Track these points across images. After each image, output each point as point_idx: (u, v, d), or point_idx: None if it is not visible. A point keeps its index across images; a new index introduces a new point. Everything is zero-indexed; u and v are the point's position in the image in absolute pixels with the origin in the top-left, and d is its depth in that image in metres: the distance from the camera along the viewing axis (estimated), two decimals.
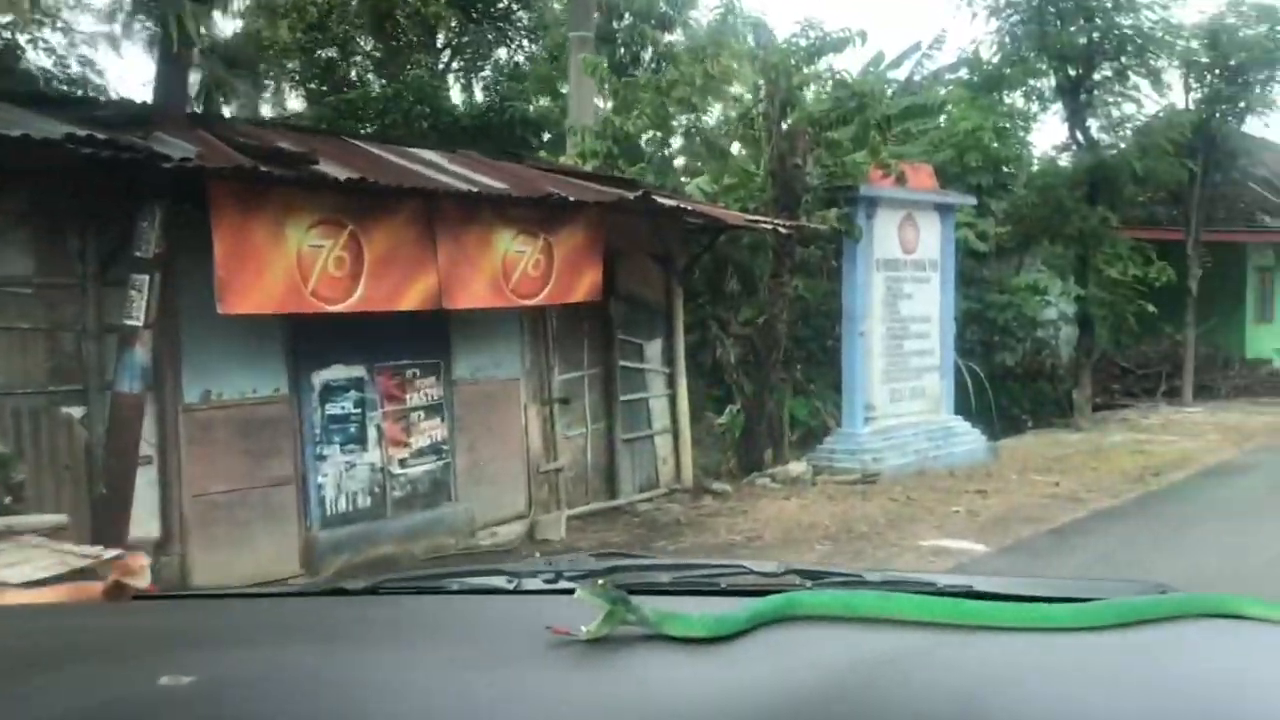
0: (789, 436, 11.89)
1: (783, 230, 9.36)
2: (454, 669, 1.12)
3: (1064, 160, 15.81)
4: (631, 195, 7.33)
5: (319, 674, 1.12)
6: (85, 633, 1.33)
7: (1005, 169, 15.89)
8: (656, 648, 1.11)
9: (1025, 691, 1.03)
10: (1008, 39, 15.54)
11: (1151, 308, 19.70)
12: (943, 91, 16.50)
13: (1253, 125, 17.72)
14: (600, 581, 1.16)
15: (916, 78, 17.60)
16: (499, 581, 1.47)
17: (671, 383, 9.43)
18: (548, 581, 1.43)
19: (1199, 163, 16.93)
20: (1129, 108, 15.69)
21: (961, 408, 13.97)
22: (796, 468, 10.16)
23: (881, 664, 1.08)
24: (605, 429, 8.89)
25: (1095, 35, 14.76)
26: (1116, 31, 14.92)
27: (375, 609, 1.46)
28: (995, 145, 15.40)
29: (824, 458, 10.54)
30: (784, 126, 9.68)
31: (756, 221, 8.81)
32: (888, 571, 1.45)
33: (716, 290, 10.77)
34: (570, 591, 1.24)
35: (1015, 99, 16.61)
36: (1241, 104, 16.70)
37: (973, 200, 12.38)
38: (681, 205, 7.86)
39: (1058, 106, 16.18)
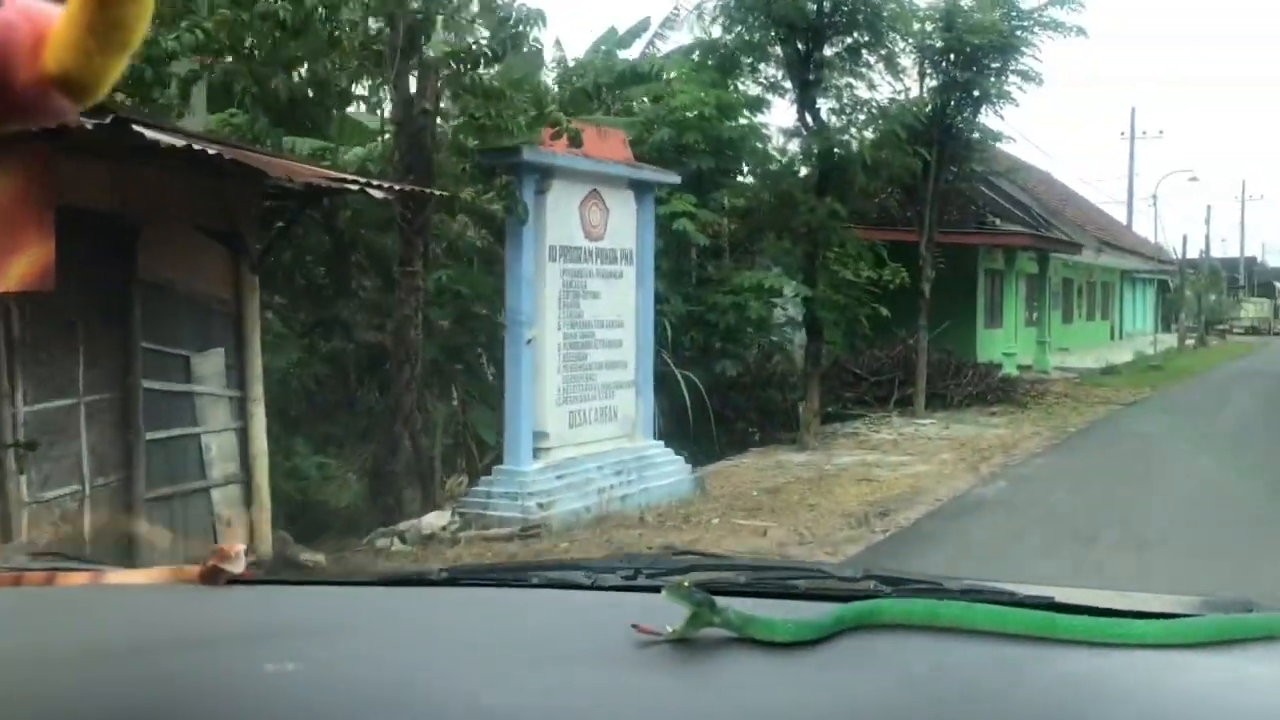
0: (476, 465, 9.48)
1: (407, 201, 6.82)
2: (541, 663, 1.13)
3: (793, 147, 14.09)
4: (90, 124, 4.52)
5: (408, 662, 1.14)
6: (185, 615, 1.37)
7: (730, 153, 14.04)
8: (739, 650, 1.11)
9: (1113, 708, 1.01)
10: (733, 5, 13.67)
11: (885, 311, 18.62)
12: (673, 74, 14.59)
13: (990, 121, 16.78)
14: (685, 583, 1.15)
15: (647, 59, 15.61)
16: (578, 577, 1.46)
17: (242, 411, 6.69)
18: (626, 579, 1.40)
19: (933, 155, 15.75)
20: (862, 91, 14.21)
21: (677, 427, 11.98)
22: (435, 520, 7.65)
23: (966, 674, 1.09)
24: (121, 483, 6.05)
25: (825, 4, 13.10)
26: (847, 4, 13.34)
27: (457, 599, 1.48)
28: (719, 123, 13.50)
29: (478, 503, 8.08)
30: (412, 62, 7.14)
31: (344, 180, 6.19)
32: (966, 580, 1.40)
33: (340, 283, 8.09)
34: (650, 590, 1.28)
35: (746, 83, 14.85)
36: (976, 93, 15.62)
37: (675, 178, 10.25)
38: (197, 147, 5.07)
39: (789, 88, 14.52)
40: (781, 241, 13.80)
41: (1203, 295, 39.36)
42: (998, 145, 17.74)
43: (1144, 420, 15.50)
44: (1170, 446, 12.66)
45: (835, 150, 13.10)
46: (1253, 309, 60.05)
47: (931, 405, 17.12)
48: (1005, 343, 22.54)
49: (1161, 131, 49.86)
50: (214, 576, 1.41)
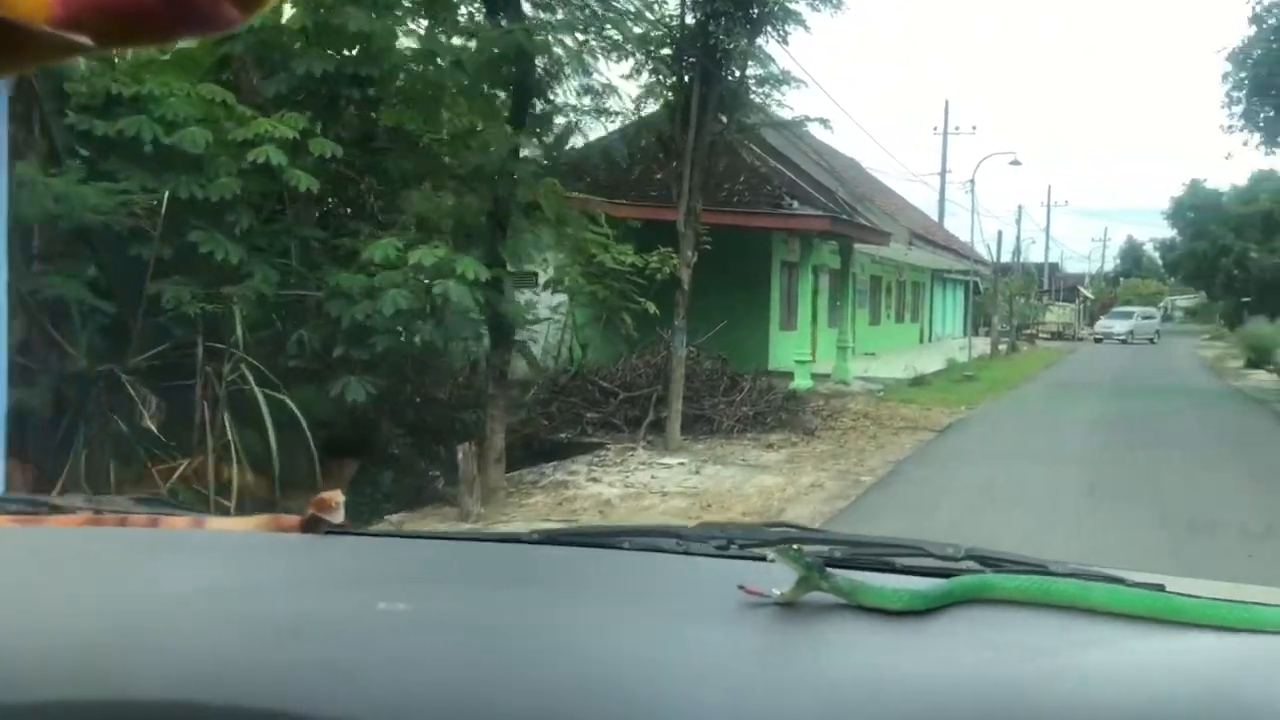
0: None
1: None
2: (641, 623, 1.13)
3: (460, 40, 9.33)
4: None
5: (513, 615, 1.14)
6: (290, 561, 1.38)
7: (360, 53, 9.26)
8: (849, 616, 1.10)
9: (1236, 690, 0.96)
10: None
11: (653, 308, 14.40)
12: None
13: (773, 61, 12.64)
14: (796, 547, 1.14)
15: None
16: (669, 543, 1.46)
17: None
18: (719, 548, 1.40)
19: (693, 90, 11.50)
20: None
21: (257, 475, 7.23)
22: None
23: (1083, 652, 1.04)
24: None
25: None
26: None
27: (553, 558, 1.50)
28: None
29: None
30: None
31: None
32: (1071, 564, 1.29)
33: None
34: (743, 558, 1.31)
35: None
36: (752, 9, 11.39)
37: None
38: None
39: None
40: (441, 194, 9.13)
41: (1014, 299, 37.18)
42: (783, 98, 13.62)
43: (963, 459, 11.68)
44: (1001, 509, 8.74)
45: (527, 50, 8.54)
46: (1057, 313, 59.53)
47: (695, 430, 12.92)
48: (799, 348, 18.66)
49: (975, 127, 47.95)
50: (314, 525, 1.43)
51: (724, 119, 12.14)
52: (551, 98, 9.48)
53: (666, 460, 10.92)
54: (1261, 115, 17.17)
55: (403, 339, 8.87)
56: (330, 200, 9.38)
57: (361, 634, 1.05)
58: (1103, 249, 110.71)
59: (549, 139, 11.84)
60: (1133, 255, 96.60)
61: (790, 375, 18.02)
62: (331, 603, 1.15)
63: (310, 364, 8.48)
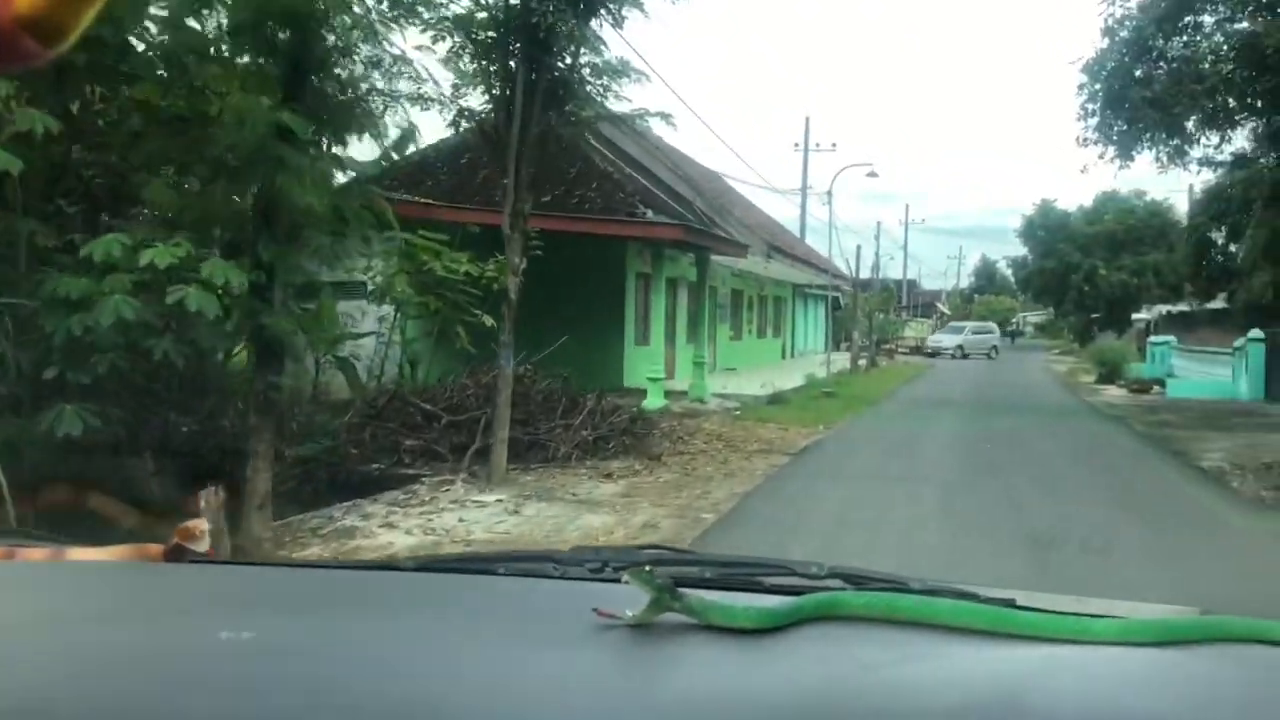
0: None
1: None
2: (500, 647, 1.14)
3: None
4: None
5: (370, 643, 1.16)
6: (146, 590, 1.38)
7: None
8: (700, 637, 1.13)
9: (1062, 700, 1.04)
10: None
11: (489, 320, 13.10)
12: None
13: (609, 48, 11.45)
14: (648, 568, 1.17)
15: None
16: (546, 567, 1.49)
17: None
18: (593, 570, 1.43)
19: (518, 84, 10.21)
20: None
21: None
22: None
23: (922, 665, 1.10)
24: None
25: None
26: None
27: (425, 586, 1.50)
28: None
29: None
30: None
31: None
32: (930, 581, 1.38)
33: None
34: (616, 580, 1.29)
35: None
36: None
37: None
38: None
39: None
40: (184, 179, 7.54)
41: (874, 314, 37.08)
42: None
43: (817, 488, 10.64)
44: (854, 551, 7.67)
45: (299, 9, 7.05)
46: (916, 329, 60.61)
47: (528, 458, 11.59)
48: (653, 364, 17.51)
49: (835, 145, 48.11)
50: (178, 555, 1.40)
51: (554, 111, 10.85)
52: (339, 73, 8.01)
53: (484, 497, 9.53)
54: (1115, 129, 16.86)
55: (158, 355, 7.20)
56: (62, 190, 7.66)
57: (194, 664, 1.07)
58: (958, 266, 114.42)
59: (383, 139, 10.46)
60: (987, 272, 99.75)
61: (640, 395, 16.85)
62: (180, 629, 1.18)
63: (15, 389, 6.78)
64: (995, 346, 52.00)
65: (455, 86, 10.69)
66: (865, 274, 43.67)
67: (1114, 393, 26.79)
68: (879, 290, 39.75)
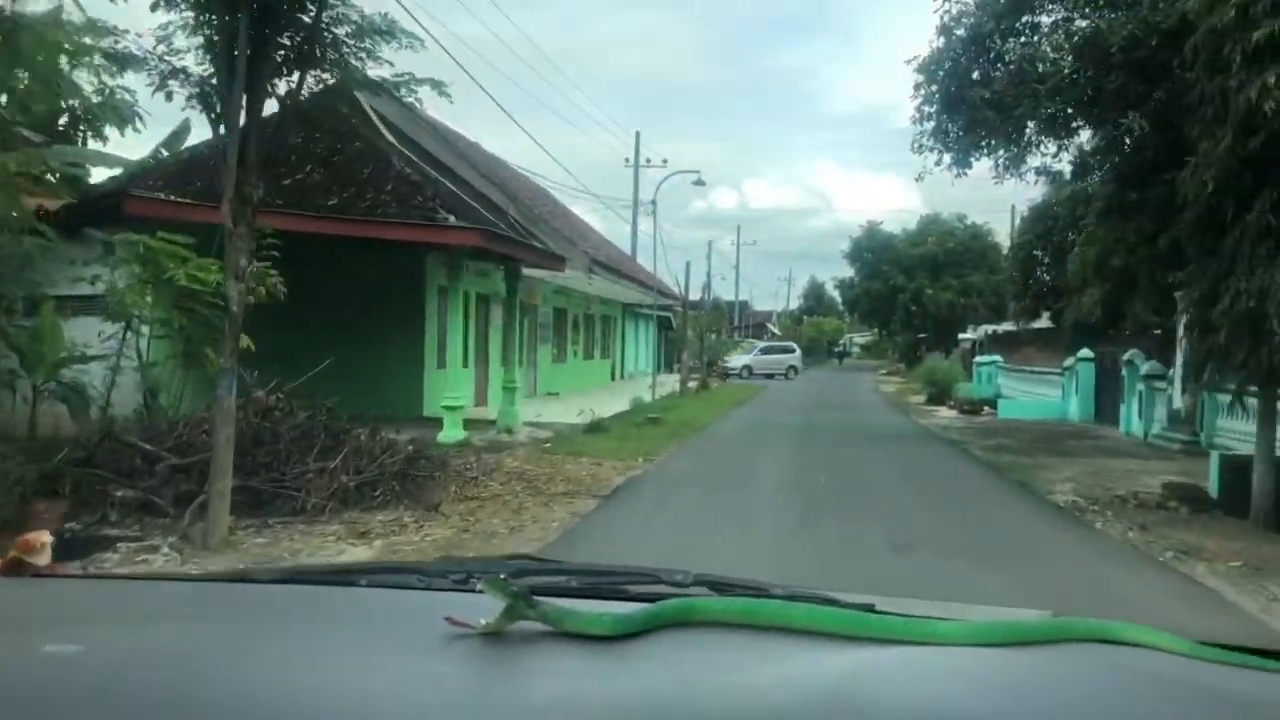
0: None
1: None
2: (350, 656, 1.14)
3: None
4: None
5: (209, 654, 1.13)
6: None
7: None
8: (555, 645, 1.14)
9: (904, 700, 1.05)
10: None
11: (248, 342, 10.75)
12: None
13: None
14: (503, 577, 1.18)
15: None
16: (410, 579, 1.47)
17: None
18: (458, 582, 1.42)
19: (242, 35, 7.90)
20: None
21: None
22: None
23: (775, 667, 1.12)
24: None
25: None
26: None
27: (282, 597, 1.48)
28: None
29: None
30: None
31: None
32: (792, 586, 1.45)
33: None
34: (479, 591, 1.26)
35: None
36: None
37: None
38: None
39: None
40: None
41: (704, 334, 35.75)
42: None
43: (622, 543, 8.68)
44: None
45: None
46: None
47: (270, 511, 9.24)
48: (454, 389, 15.28)
49: (665, 160, 46.83)
50: (17, 569, 1.35)
51: (298, 75, 8.58)
52: None
53: (190, 569, 7.14)
54: (952, 133, 15.71)
55: None
56: None
57: (23, 673, 1.05)
58: (788, 287, 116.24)
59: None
60: (816, 294, 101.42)
61: (432, 425, 14.60)
62: (9, 645, 1.14)
63: None
64: (794, 366, 50.17)
65: (160, 39, 8.29)
66: (697, 294, 42.50)
67: (946, 414, 26.10)
68: (709, 310, 38.48)
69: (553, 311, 26.27)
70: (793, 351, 53.54)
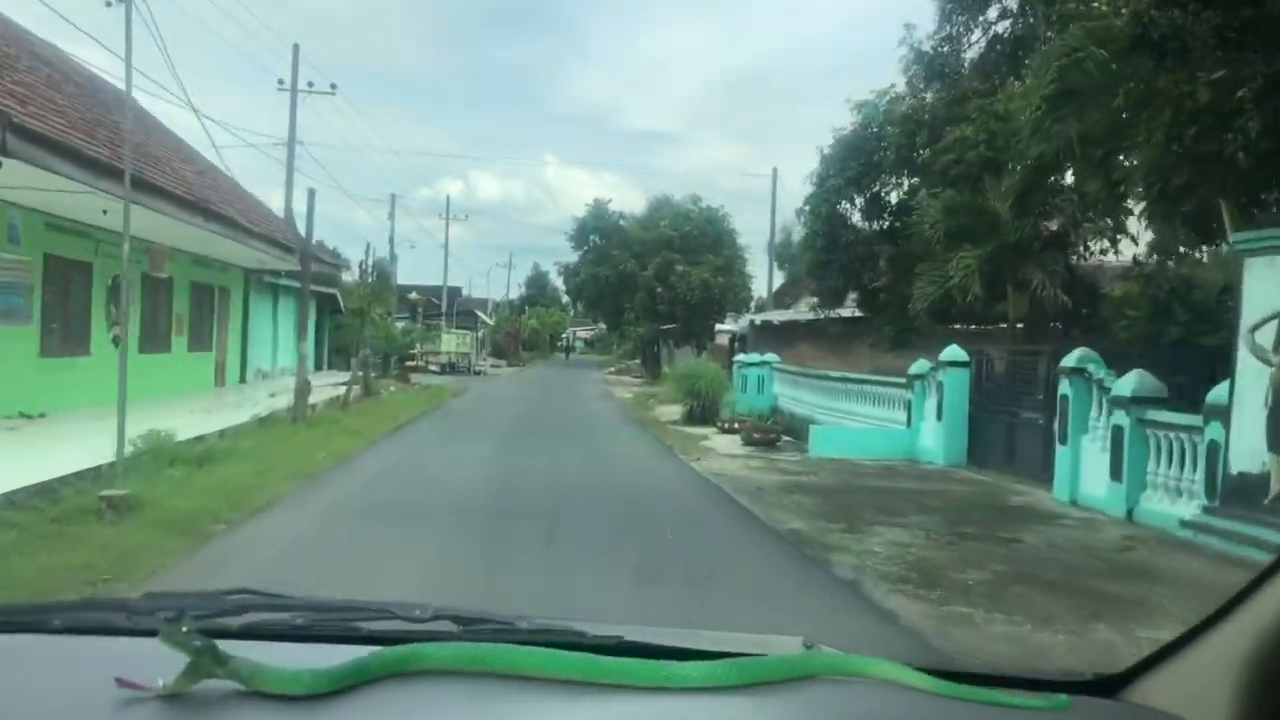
0: None
1: None
2: None
3: None
4: None
5: None
6: None
7: None
8: (248, 706, 1.01)
9: None
10: None
11: None
12: None
13: None
14: (185, 628, 1.05)
15: None
16: (117, 619, 1.29)
17: None
18: (169, 620, 1.16)
19: None
20: None
21: None
22: None
23: None
24: None
25: None
26: None
27: None
28: None
29: None
30: None
31: None
32: (539, 619, 1.34)
33: None
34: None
35: None
36: None
37: None
38: None
39: None
40: None
41: (365, 314, 24.36)
42: None
43: None
44: None
45: None
46: (454, 341, 48.82)
47: None
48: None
49: (334, 86, 35.26)
50: None
51: None
52: None
53: None
54: None
55: None
56: None
57: None
58: (508, 273, 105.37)
59: None
60: (539, 282, 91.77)
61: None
62: None
63: None
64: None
65: None
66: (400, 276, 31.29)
67: (724, 444, 16.75)
68: (372, 282, 26.72)
69: (43, 262, 14.41)
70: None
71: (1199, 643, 1.20)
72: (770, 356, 24.03)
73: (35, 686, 1.12)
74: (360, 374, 23.87)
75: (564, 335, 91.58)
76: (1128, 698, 1.24)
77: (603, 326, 76.05)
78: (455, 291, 69.17)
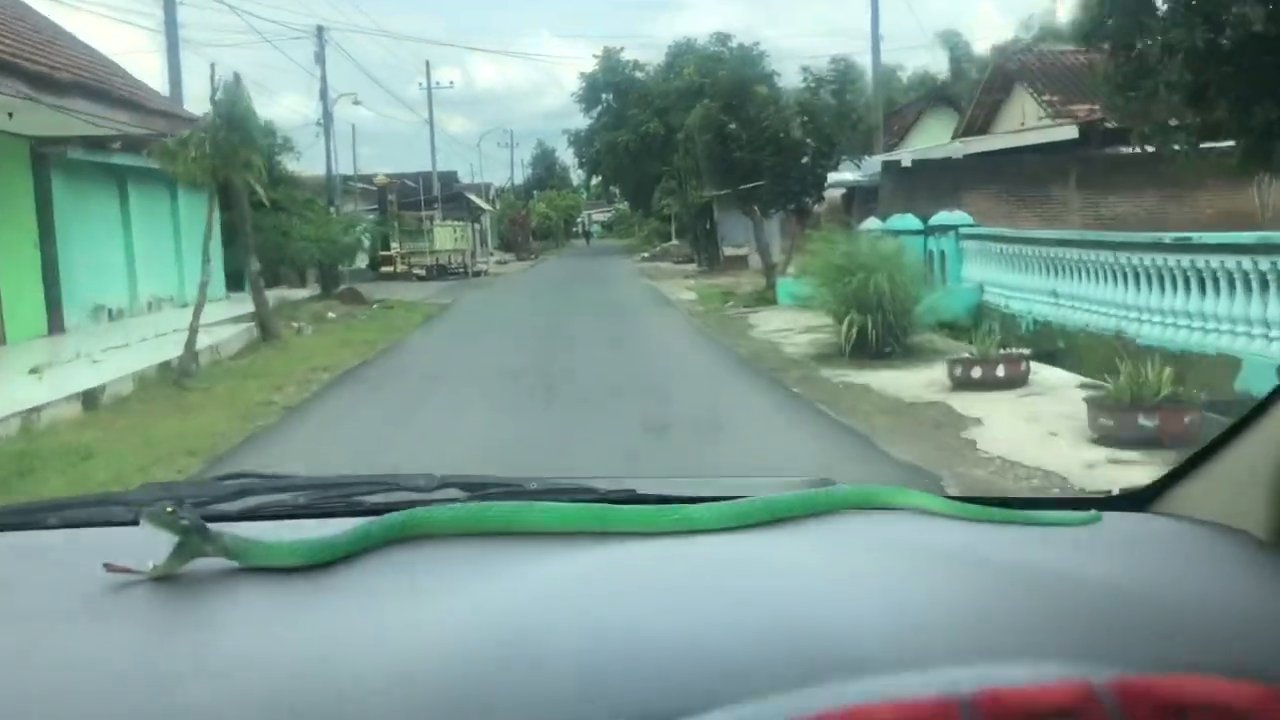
0: None
1: None
2: (6, 621, 0.95)
3: None
4: None
5: None
6: None
7: None
8: (243, 582, 0.96)
9: (642, 600, 0.93)
10: None
11: None
12: None
13: None
14: (169, 508, 0.98)
15: None
16: (113, 512, 1.22)
17: None
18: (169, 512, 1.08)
19: None
20: None
21: None
22: None
23: (499, 583, 0.96)
24: None
25: None
26: None
27: None
28: None
29: None
30: None
31: None
32: (549, 479, 1.28)
33: None
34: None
35: None
36: None
37: None
38: None
39: None
40: None
41: (213, 195, 13.71)
42: None
43: None
44: None
45: None
46: (449, 236, 38.10)
47: None
48: None
49: None
50: None
51: None
52: None
53: None
54: None
55: None
56: None
57: None
58: (511, 153, 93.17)
59: None
60: (545, 162, 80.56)
61: None
62: None
63: None
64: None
65: None
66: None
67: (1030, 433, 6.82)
68: (212, 125, 15.43)
69: None
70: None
71: (1226, 452, 1.13)
72: (958, 216, 13.84)
73: (27, 580, 1.05)
74: (258, 305, 13.95)
75: (579, 219, 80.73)
76: (1158, 510, 1.19)
77: (621, 206, 65.05)
78: (450, 177, 57.96)
